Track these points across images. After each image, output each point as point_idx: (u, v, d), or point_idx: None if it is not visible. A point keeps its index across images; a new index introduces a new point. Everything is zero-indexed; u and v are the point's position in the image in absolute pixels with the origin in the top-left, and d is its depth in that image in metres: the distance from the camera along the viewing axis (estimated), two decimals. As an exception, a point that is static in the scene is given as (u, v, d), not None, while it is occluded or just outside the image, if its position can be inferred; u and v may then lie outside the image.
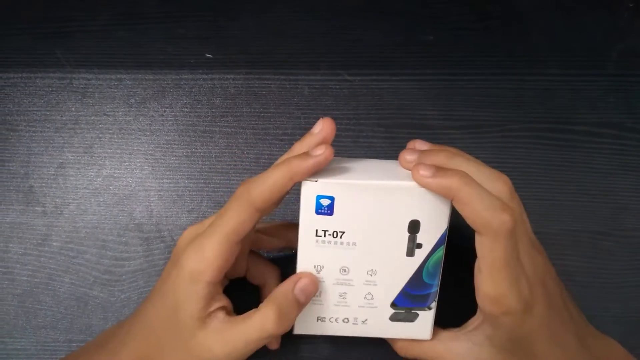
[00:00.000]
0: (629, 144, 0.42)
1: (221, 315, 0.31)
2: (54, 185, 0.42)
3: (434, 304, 0.33)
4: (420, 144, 0.34)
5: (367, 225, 0.31)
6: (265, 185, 0.30)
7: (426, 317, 0.33)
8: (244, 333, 0.30)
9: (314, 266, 0.32)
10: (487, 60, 0.44)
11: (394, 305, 0.33)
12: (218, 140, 0.42)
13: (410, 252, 0.31)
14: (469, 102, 0.43)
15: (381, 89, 0.43)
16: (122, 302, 0.39)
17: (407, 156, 0.32)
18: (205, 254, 0.30)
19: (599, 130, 0.42)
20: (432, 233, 0.31)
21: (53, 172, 0.42)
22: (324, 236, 0.31)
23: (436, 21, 0.45)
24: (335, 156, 0.31)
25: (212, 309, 0.30)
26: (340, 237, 0.31)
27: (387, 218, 0.30)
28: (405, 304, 0.32)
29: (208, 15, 0.45)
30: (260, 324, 0.30)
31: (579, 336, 0.31)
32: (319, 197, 0.30)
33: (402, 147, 0.42)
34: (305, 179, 0.30)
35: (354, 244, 0.31)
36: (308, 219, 0.31)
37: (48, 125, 0.43)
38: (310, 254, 0.32)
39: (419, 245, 0.31)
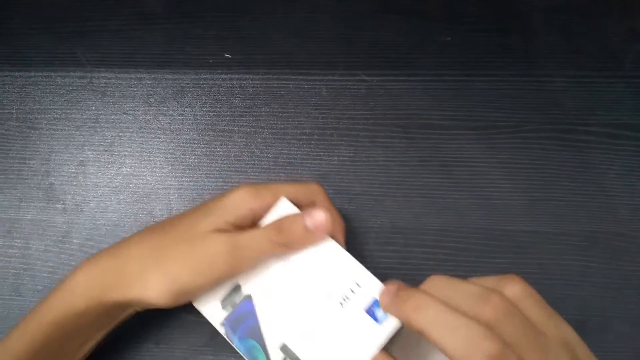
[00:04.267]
0: (646, 145, 0.42)
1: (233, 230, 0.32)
2: (74, 183, 0.42)
3: None
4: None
5: None
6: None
7: None
8: (249, 239, 0.31)
9: None
10: (504, 62, 0.44)
11: None
12: (237, 139, 0.42)
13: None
14: (485, 103, 0.43)
15: (398, 89, 0.43)
16: (142, 299, 0.40)
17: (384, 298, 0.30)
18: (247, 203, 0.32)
19: (616, 132, 0.42)
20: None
21: (73, 170, 0.42)
22: None
23: (453, 22, 0.45)
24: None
25: (228, 228, 0.32)
26: None
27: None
28: None
29: (227, 16, 0.45)
30: (264, 235, 0.31)
31: None
32: None
33: (419, 147, 0.42)
34: None
35: None
36: None
37: (68, 124, 0.43)
38: None
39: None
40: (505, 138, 0.42)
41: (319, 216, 0.31)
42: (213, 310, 0.33)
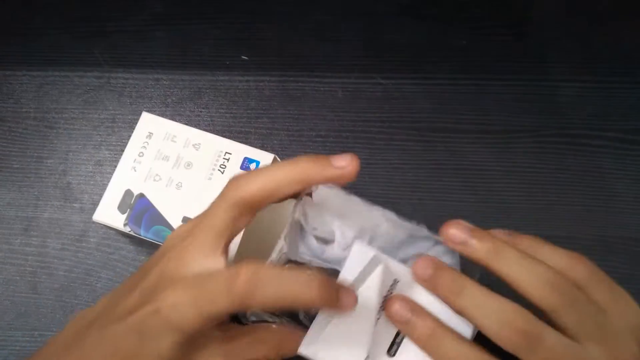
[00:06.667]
0: (662, 151, 0.42)
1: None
2: (91, 182, 0.42)
3: None
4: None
5: None
6: (258, 182, 0.25)
7: None
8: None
9: None
10: (520, 66, 0.44)
11: None
12: (253, 141, 0.43)
13: None
14: (502, 107, 0.43)
15: (414, 93, 0.44)
16: (158, 298, 0.40)
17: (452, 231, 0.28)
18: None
19: (632, 137, 0.42)
20: None
21: (91, 170, 0.43)
22: None
23: (470, 26, 0.45)
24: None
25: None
26: None
27: None
28: None
29: (244, 18, 0.45)
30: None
31: None
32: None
33: (435, 150, 0.42)
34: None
35: None
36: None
37: (86, 123, 0.44)
38: None
39: None
40: (520, 142, 0.42)
41: None
42: (114, 217, 0.35)
